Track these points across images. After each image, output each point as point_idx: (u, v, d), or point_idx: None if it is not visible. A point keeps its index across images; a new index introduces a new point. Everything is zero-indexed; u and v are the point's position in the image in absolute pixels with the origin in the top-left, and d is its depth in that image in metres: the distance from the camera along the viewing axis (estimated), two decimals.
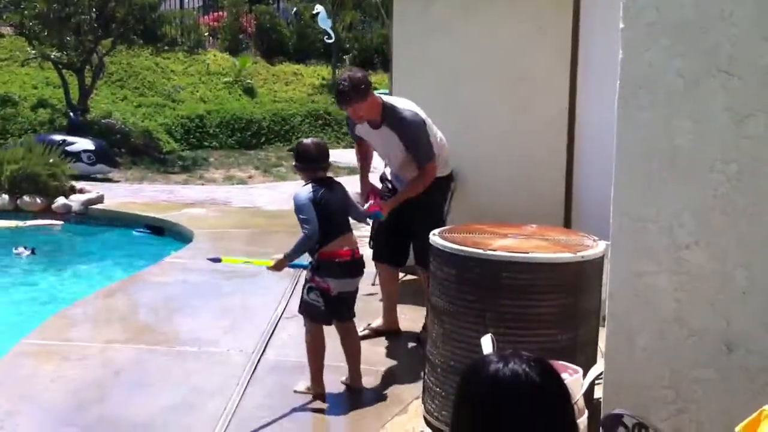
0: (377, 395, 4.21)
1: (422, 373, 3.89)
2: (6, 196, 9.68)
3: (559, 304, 3.37)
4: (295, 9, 23.89)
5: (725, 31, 2.53)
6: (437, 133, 4.99)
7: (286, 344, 4.96)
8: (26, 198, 9.66)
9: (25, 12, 14.77)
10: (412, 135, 4.77)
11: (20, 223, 9.24)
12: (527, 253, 3.38)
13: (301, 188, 4.08)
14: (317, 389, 4.12)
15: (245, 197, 11.11)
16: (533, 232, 3.81)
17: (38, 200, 9.67)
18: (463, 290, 3.46)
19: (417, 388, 4.05)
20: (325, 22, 19.19)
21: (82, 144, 12.32)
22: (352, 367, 4.24)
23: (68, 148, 11.62)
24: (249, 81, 19.45)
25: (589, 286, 3.44)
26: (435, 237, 3.67)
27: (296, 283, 6.27)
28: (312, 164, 4.11)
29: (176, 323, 5.56)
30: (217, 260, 4.82)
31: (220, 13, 22.60)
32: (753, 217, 2.55)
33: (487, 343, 3.00)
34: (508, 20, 6.26)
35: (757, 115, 2.52)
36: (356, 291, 4.22)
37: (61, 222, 9.47)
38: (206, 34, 21.22)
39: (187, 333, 5.22)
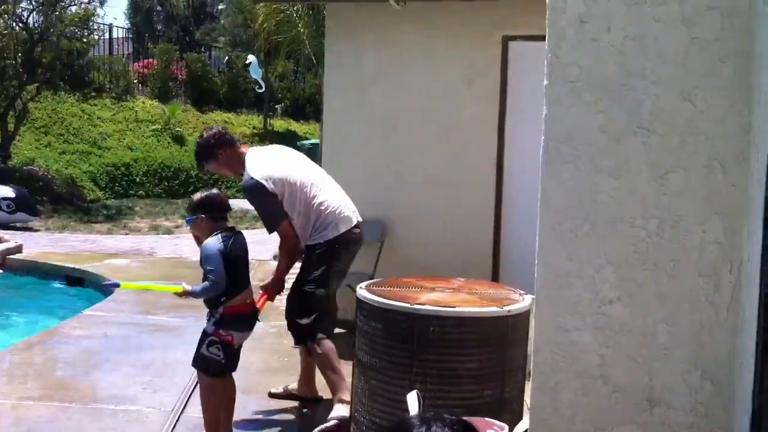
0: None
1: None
2: None
3: (486, 358, 3.34)
4: (226, 58, 23.90)
5: (646, 89, 2.58)
6: (316, 196, 4.59)
7: None
8: None
9: None
10: (251, 201, 4.66)
11: None
12: (454, 307, 3.35)
13: (209, 239, 3.97)
14: None
15: (171, 247, 10.88)
16: (461, 286, 3.79)
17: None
18: (390, 345, 3.40)
19: None
20: (256, 72, 19.24)
21: (2, 191, 11.94)
22: (227, 421, 4.10)
23: None
24: (178, 129, 19.26)
25: (516, 340, 3.42)
26: (361, 290, 3.62)
27: None
28: (220, 213, 4.05)
29: (94, 379, 5.34)
30: (115, 285, 4.66)
31: (151, 60, 22.43)
32: (673, 272, 2.57)
33: (413, 400, 2.93)
34: (440, 71, 6.36)
35: (677, 171, 2.56)
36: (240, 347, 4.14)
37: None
38: (135, 80, 21.03)
39: (105, 390, 5.01)
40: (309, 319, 4.64)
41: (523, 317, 3.43)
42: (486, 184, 6.30)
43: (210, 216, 4.02)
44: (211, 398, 4.03)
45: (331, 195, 4.69)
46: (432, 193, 6.41)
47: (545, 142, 2.73)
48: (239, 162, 4.62)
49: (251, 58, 18.22)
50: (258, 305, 4.28)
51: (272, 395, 4.95)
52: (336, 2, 6.71)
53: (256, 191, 4.50)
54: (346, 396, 4.23)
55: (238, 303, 3.96)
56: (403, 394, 3.19)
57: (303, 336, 4.73)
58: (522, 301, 3.49)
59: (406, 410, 3.02)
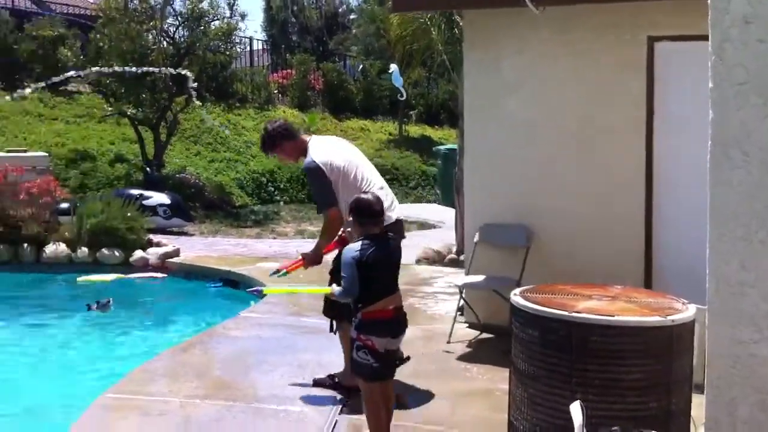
0: None
1: None
2: (86, 249, 9.94)
3: (650, 369, 3.28)
4: (361, 66, 24.35)
5: None
6: (362, 191, 4.69)
7: None
8: (105, 251, 9.92)
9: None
10: (309, 182, 5.20)
11: (122, 276, 9.46)
12: (614, 316, 3.32)
13: (351, 244, 4.08)
14: None
15: None
16: (618, 294, 3.74)
17: (116, 253, 9.91)
18: (547, 353, 3.41)
19: None
20: (398, 80, 19.46)
21: (158, 198, 12.64)
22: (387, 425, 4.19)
23: (145, 203, 11.92)
24: None
25: (681, 351, 3.34)
26: (516, 297, 3.63)
27: None
28: (370, 219, 4.11)
29: (253, 379, 5.59)
30: (258, 292, 4.91)
31: (289, 71, 23.16)
32: None
33: (576, 411, 2.93)
34: (581, 75, 6.27)
35: None
36: (398, 350, 4.20)
37: (165, 274, 9.60)
38: (275, 91, 21.77)
39: (265, 389, 5.24)
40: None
41: (689, 327, 3.35)
42: (634, 189, 6.16)
43: (359, 220, 4.11)
44: (370, 402, 4.13)
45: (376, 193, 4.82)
46: (578, 198, 6.34)
47: (712, 146, 2.67)
48: (300, 151, 5.11)
49: (393, 66, 18.46)
50: (288, 268, 5.05)
51: (315, 383, 5.20)
52: (473, 9, 6.73)
53: (314, 173, 4.96)
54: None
55: (376, 309, 4.01)
56: (564, 404, 3.20)
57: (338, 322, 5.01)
58: (686, 311, 3.41)
59: (568, 420, 3.02)
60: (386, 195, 4.95)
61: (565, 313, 3.35)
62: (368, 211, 4.12)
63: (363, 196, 4.26)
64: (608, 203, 6.25)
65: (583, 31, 6.26)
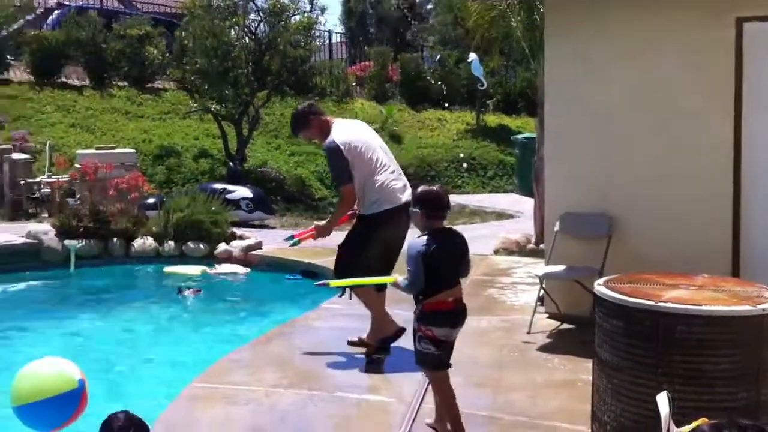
0: None
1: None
2: (172, 243, 10.23)
3: (739, 359, 3.20)
4: (438, 56, 24.28)
5: None
6: (376, 175, 5.42)
7: None
8: (190, 244, 10.18)
9: (187, 67, 15.78)
10: (328, 160, 5.72)
11: (207, 269, 9.72)
12: (701, 305, 3.24)
13: (416, 238, 4.08)
14: None
15: None
16: (705, 283, 3.66)
17: (201, 246, 10.16)
18: (633, 343, 3.36)
19: None
20: (477, 69, 19.35)
21: (241, 192, 12.90)
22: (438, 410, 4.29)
23: (228, 196, 12.19)
24: (395, 128, 19.85)
25: None
26: (600, 287, 3.59)
27: None
28: (436, 213, 4.09)
29: (335, 369, 5.66)
30: (325, 284, 5.09)
31: (366, 63, 23.28)
32: None
33: (663, 402, 2.88)
34: (667, 59, 6.12)
35: None
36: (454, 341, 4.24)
37: (248, 269, 9.78)
38: (354, 83, 21.92)
39: (346, 379, 5.31)
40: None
41: None
42: (721, 176, 5.97)
43: (425, 212, 4.09)
44: (441, 391, 4.15)
45: (388, 177, 5.46)
46: (661, 186, 6.19)
47: None
48: (327, 129, 5.52)
49: (472, 56, 18.37)
50: (300, 236, 5.85)
51: (350, 343, 5.80)
52: None
53: (333, 152, 5.42)
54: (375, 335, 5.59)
55: (438, 300, 4.03)
56: (649, 395, 3.14)
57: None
58: None
59: (654, 411, 2.97)
60: (399, 176, 5.57)
61: (651, 302, 3.30)
62: (436, 204, 4.11)
63: (431, 188, 4.25)
64: (693, 191, 6.09)
65: (668, 13, 6.10)
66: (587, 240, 6.38)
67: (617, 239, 6.23)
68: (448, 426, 4.16)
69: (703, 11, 5.96)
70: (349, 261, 5.56)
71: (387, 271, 5.21)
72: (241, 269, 9.73)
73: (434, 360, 4.11)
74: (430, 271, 3.98)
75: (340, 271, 5.55)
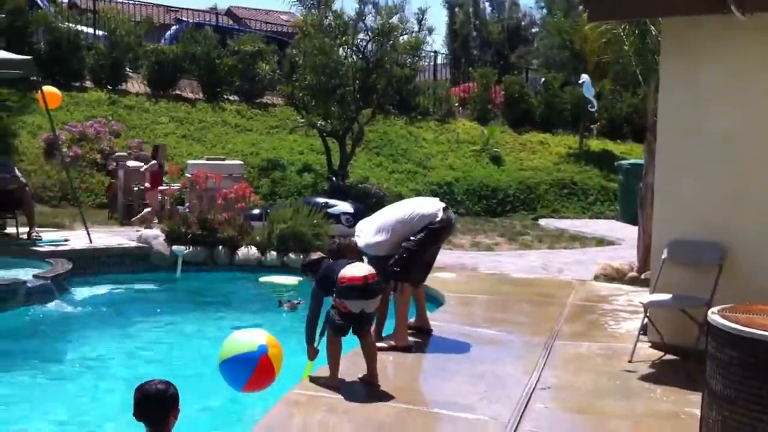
0: None
1: None
2: (274, 253, 10.48)
3: None
4: (543, 79, 24.10)
5: None
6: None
7: (543, 416, 4.89)
8: (292, 255, 10.40)
9: (296, 84, 16.18)
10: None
11: (301, 279, 9.89)
12: None
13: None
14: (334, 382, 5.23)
15: (492, 264, 11.19)
16: None
17: (302, 257, 10.34)
18: (748, 375, 3.24)
19: None
20: (589, 91, 19.11)
21: (342, 207, 13.09)
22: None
23: (329, 210, 12.37)
24: (496, 149, 19.79)
25: None
26: (715, 315, 3.48)
27: (548, 354, 6.20)
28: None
29: (431, 385, 5.67)
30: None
31: (469, 84, 23.32)
32: None
33: None
34: None
35: None
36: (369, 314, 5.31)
37: None
38: (456, 104, 21.99)
39: (443, 396, 5.28)
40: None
41: None
42: None
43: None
44: (331, 352, 5.36)
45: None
46: None
47: None
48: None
49: (584, 77, 18.19)
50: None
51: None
52: (673, 17, 6.50)
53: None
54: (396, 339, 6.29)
55: (351, 276, 5.22)
56: (762, 428, 3.04)
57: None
58: None
59: None
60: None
61: None
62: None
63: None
64: None
65: None
66: (695, 268, 6.19)
67: (728, 269, 6.03)
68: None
69: None
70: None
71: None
72: None
73: (334, 326, 5.20)
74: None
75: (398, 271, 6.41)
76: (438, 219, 6.44)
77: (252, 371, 4.77)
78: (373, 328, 5.90)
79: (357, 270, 5.24)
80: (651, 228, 7.08)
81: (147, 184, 12.92)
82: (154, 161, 13.19)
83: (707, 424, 3.47)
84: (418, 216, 6.46)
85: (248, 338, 4.96)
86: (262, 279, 9.98)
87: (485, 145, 19.78)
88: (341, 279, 5.17)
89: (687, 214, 6.34)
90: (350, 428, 4.63)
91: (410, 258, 6.37)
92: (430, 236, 6.46)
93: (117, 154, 14.65)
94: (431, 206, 6.56)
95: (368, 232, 6.53)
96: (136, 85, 19.17)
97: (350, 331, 5.31)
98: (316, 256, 5.86)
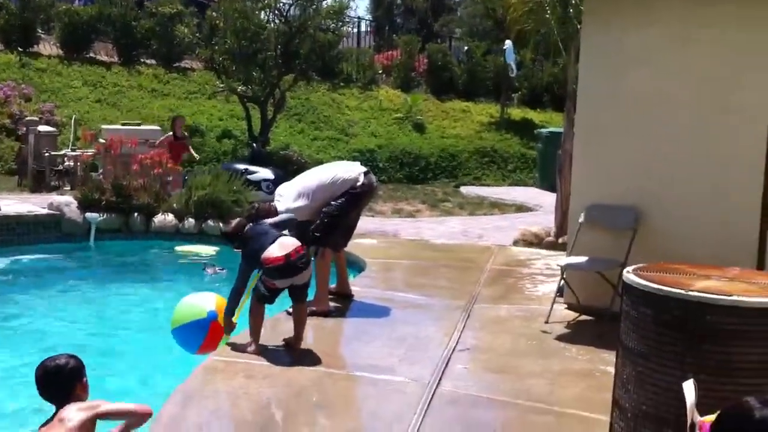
0: None
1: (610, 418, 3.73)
2: (192, 220, 10.26)
3: None
4: (466, 47, 24.18)
5: None
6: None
7: (462, 377, 4.93)
8: (210, 222, 10.20)
9: (216, 48, 15.79)
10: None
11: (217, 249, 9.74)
12: (733, 295, 3.18)
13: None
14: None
15: (413, 230, 11.23)
16: (737, 275, 3.59)
17: (221, 225, 10.16)
18: (661, 332, 3.30)
19: None
20: (510, 57, 19.19)
21: (263, 173, 12.92)
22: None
23: (249, 177, 12.21)
24: (419, 117, 19.80)
25: None
26: (629, 274, 3.53)
27: (468, 317, 6.25)
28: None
29: (352, 348, 5.66)
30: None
31: (393, 52, 23.22)
32: None
33: (689, 390, 2.84)
34: (711, 51, 5.98)
35: None
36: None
37: None
38: (380, 71, 21.87)
39: (364, 359, 5.28)
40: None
41: None
42: (753, 175, 5.86)
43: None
44: (254, 316, 5.24)
45: None
46: (692, 182, 6.09)
47: None
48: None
49: (508, 42, 18.25)
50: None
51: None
52: None
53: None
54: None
55: (272, 257, 5.09)
56: (675, 383, 3.10)
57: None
58: None
59: (677, 399, 2.92)
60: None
61: (682, 291, 3.24)
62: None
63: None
64: (724, 189, 5.98)
65: (720, 5, 5.96)
66: (612, 232, 6.30)
67: (642, 233, 6.16)
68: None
69: (758, 5, 5.82)
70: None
71: None
72: None
73: (259, 296, 5.18)
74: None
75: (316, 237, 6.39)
76: (359, 183, 6.38)
77: (203, 337, 5.21)
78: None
79: (279, 249, 5.08)
80: (569, 194, 7.18)
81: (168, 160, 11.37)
82: (170, 133, 12.67)
83: (621, 379, 3.53)
84: (339, 180, 6.38)
85: (198, 304, 5.29)
86: (179, 248, 9.78)
87: (408, 112, 19.76)
88: (265, 261, 5.08)
89: (603, 179, 6.44)
90: (270, 393, 4.56)
91: (331, 223, 6.31)
92: (351, 201, 6.40)
93: (27, 118, 14.07)
94: (352, 170, 6.49)
95: (288, 197, 6.39)
96: (48, 47, 18.38)
97: (274, 301, 5.29)
98: (235, 222, 5.69)
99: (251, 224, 5.44)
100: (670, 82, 6.17)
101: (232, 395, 4.54)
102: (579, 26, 8.09)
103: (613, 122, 6.41)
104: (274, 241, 5.15)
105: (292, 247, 5.13)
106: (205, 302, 5.27)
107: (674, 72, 6.14)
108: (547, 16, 10.36)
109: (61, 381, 3.26)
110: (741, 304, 3.12)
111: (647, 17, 6.23)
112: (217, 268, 8.66)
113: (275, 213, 5.90)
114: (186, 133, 13.43)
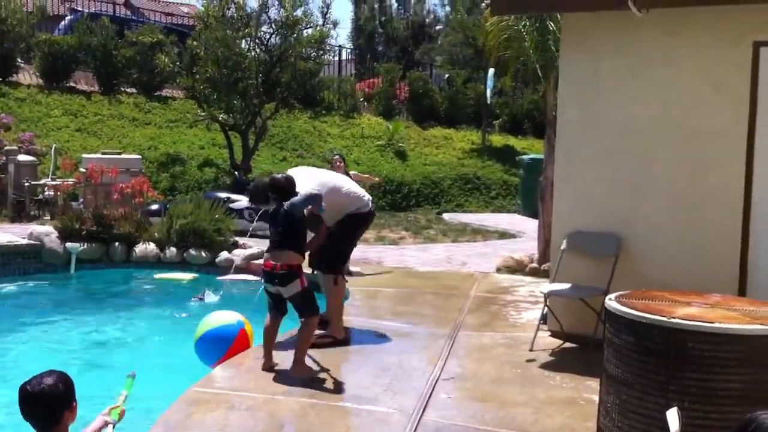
0: None
1: None
2: (174, 249, 10.20)
3: (750, 379, 3.15)
4: (447, 75, 24.36)
5: None
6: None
7: (446, 406, 4.90)
8: (192, 251, 10.14)
9: (197, 76, 15.80)
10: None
11: (196, 276, 9.68)
12: (714, 323, 3.20)
13: None
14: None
15: (397, 257, 11.22)
16: (718, 302, 3.61)
17: (203, 254, 10.12)
18: (643, 359, 3.31)
19: None
20: (489, 85, 19.31)
21: (245, 201, 12.80)
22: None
23: (232, 206, 12.15)
24: (401, 144, 19.87)
25: None
26: (612, 302, 3.55)
27: (452, 345, 6.23)
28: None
29: (336, 378, 5.61)
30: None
31: (374, 80, 23.35)
32: None
33: (673, 418, 2.83)
34: (682, 80, 6.09)
35: None
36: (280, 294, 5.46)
37: (258, 278, 9.72)
38: (361, 99, 21.97)
39: (348, 389, 5.24)
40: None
41: None
42: (732, 198, 5.94)
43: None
44: None
45: None
46: (671, 207, 6.15)
47: None
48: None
49: (491, 71, 18.38)
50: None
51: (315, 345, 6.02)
52: (573, 12, 6.62)
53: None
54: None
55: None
56: (658, 411, 3.10)
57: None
58: None
59: (661, 428, 2.92)
60: None
61: (664, 319, 3.25)
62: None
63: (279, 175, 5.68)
64: (703, 213, 6.05)
65: (686, 34, 6.08)
66: (594, 259, 6.33)
67: (624, 259, 6.19)
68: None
69: (722, 33, 5.94)
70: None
71: None
72: (251, 277, 9.65)
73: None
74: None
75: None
76: (369, 207, 6.46)
77: (226, 349, 5.75)
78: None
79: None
80: (551, 221, 7.21)
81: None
82: None
83: (605, 407, 3.53)
84: (353, 194, 6.37)
85: (228, 317, 5.96)
86: (157, 276, 9.71)
87: (390, 140, 19.84)
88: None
89: (585, 206, 6.48)
90: (252, 425, 4.51)
91: (345, 249, 6.54)
92: (361, 223, 6.50)
93: (7, 147, 13.97)
94: (362, 191, 6.53)
95: (307, 182, 5.83)
96: (28, 76, 18.33)
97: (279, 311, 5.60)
98: (282, 175, 5.61)
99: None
100: (646, 108, 6.24)
101: (212, 428, 4.48)
102: (557, 54, 8.19)
103: (593, 149, 6.46)
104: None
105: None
106: (234, 315, 5.99)
107: (649, 99, 6.23)
108: (526, 44, 10.44)
109: (50, 404, 2.91)
110: (722, 330, 3.14)
111: (624, 45, 6.32)
112: (211, 293, 8.60)
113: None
114: None
